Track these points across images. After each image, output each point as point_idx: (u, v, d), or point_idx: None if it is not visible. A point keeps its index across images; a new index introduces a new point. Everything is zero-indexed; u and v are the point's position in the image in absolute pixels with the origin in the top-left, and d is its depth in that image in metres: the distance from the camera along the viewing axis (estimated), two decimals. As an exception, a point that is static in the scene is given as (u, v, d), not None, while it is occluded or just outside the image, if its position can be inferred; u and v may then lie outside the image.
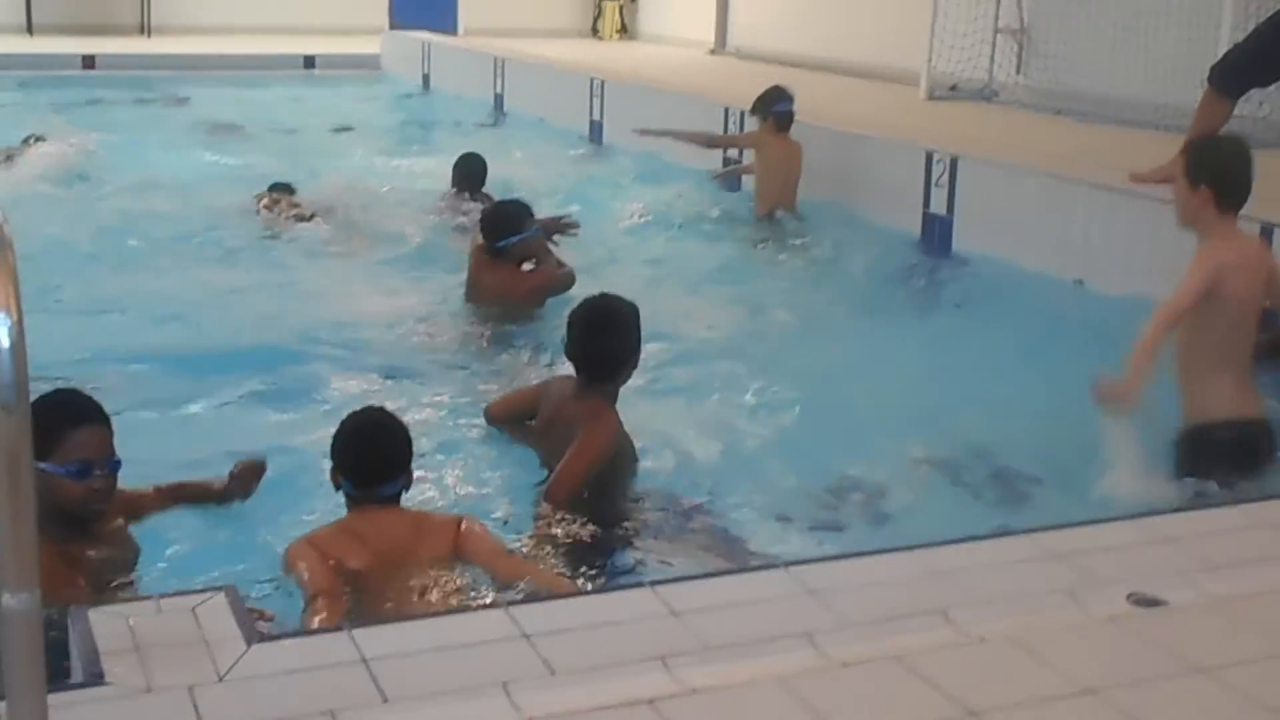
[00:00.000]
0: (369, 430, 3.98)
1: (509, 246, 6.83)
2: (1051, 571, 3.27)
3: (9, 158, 10.72)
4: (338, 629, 2.90)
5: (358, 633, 2.86)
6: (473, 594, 3.75)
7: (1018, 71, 11.59)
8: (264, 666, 2.72)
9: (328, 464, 4.00)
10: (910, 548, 3.40)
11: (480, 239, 6.99)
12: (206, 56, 17.08)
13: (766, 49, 14.90)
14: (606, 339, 4.64)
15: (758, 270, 8.20)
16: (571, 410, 4.61)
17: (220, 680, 2.67)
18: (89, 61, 16.54)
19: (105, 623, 2.85)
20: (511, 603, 3.12)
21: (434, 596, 3.72)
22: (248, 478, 4.27)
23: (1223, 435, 4.68)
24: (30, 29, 18.42)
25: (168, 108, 14.06)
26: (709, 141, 10.06)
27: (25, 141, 11.05)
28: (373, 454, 3.92)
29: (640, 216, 9.52)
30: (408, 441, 3.98)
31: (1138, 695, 2.75)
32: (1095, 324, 6.02)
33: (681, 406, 5.46)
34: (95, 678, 2.65)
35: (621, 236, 9.03)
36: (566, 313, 4.88)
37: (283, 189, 9.48)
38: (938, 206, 8.52)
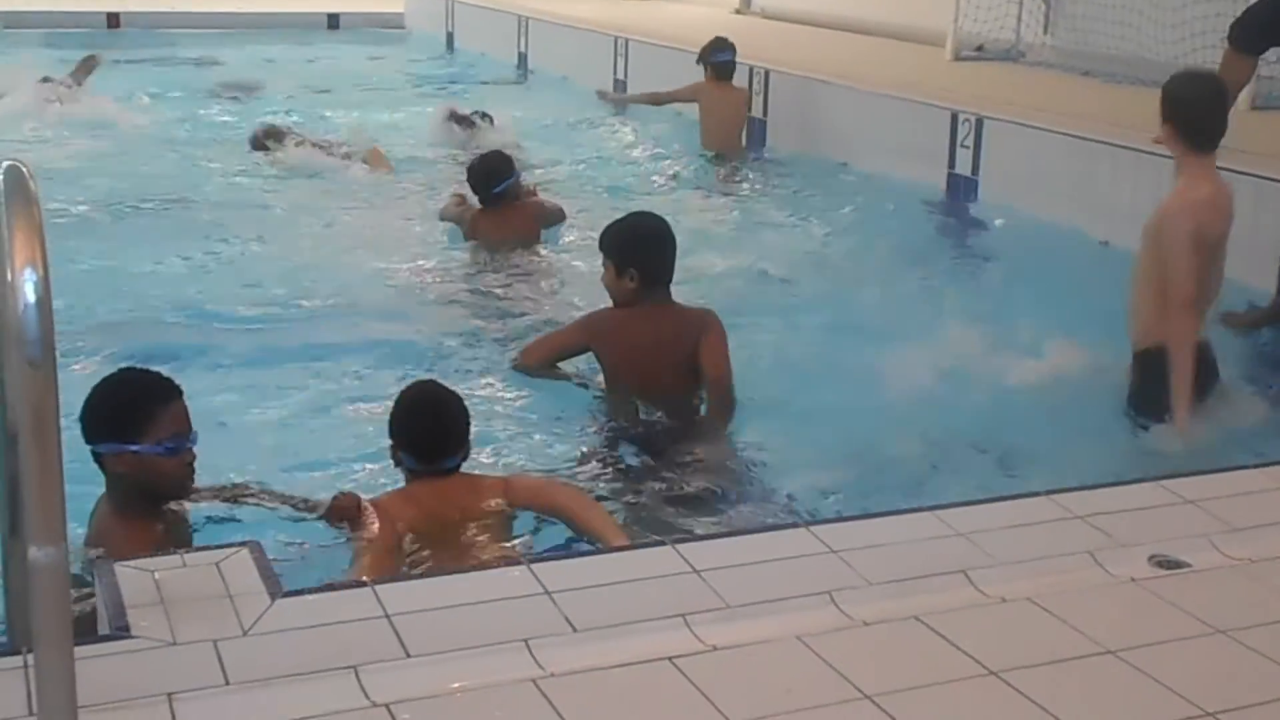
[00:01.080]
0: (429, 406, 4.02)
1: (502, 192, 7.27)
2: (1073, 532, 3.27)
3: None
4: (361, 584, 2.92)
5: (381, 588, 2.88)
6: (520, 547, 3.84)
7: (1045, 32, 11.48)
8: (287, 620, 2.74)
9: (343, 420, 4.03)
10: (931, 508, 3.40)
11: (473, 199, 7.45)
12: (230, 14, 17.04)
13: (792, 9, 14.79)
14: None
15: (779, 232, 8.19)
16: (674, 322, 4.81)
17: (244, 634, 2.69)
18: (113, 20, 16.53)
19: (131, 577, 2.88)
20: (534, 560, 3.13)
21: (485, 554, 3.79)
22: (345, 513, 4.01)
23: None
24: (55, -13, 18.41)
25: (191, 68, 14.02)
26: (655, 99, 10.72)
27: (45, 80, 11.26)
28: (435, 430, 3.98)
29: (659, 177, 9.55)
30: (466, 414, 4.03)
31: (1158, 657, 2.75)
32: (1122, 284, 5.98)
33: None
34: (121, 630, 2.68)
35: (644, 196, 9.01)
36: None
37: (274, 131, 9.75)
38: (963, 167, 8.49)
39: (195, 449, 3.68)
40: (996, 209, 8.14)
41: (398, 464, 4.01)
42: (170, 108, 11.52)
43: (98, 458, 3.61)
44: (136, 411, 3.60)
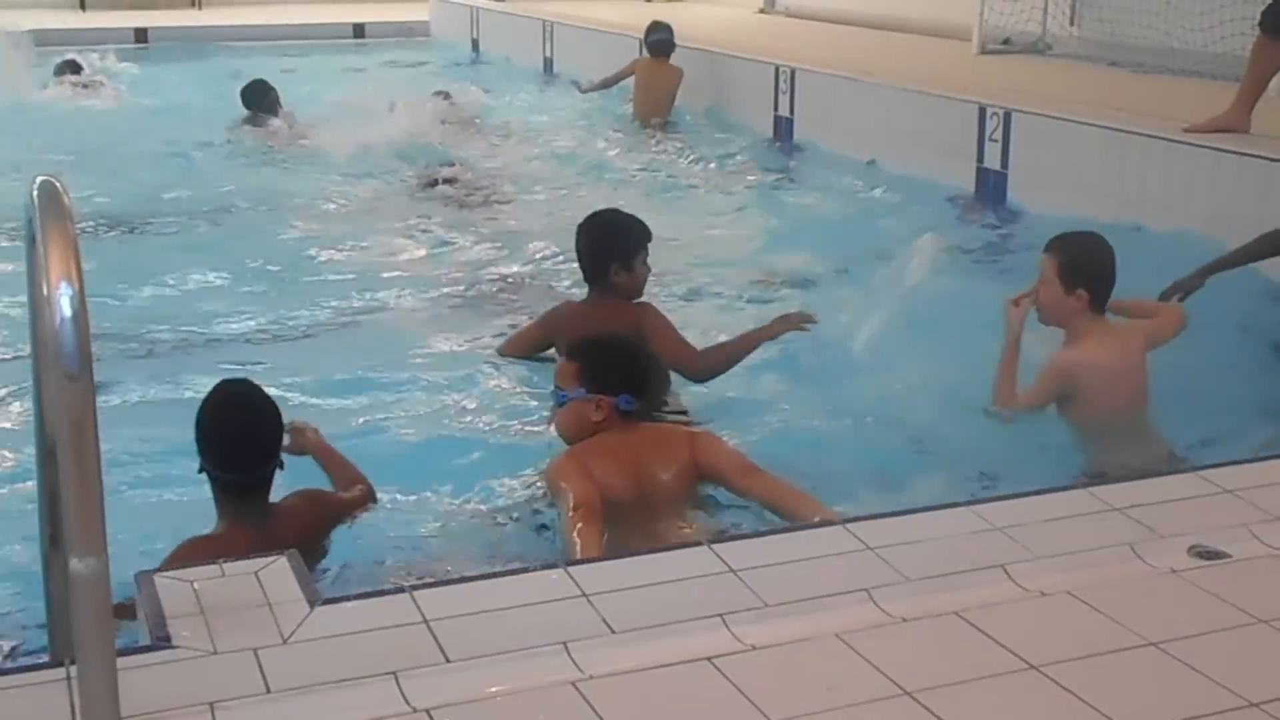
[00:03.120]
0: (624, 345, 4.29)
1: None
2: (1112, 525, 3.25)
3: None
4: (400, 590, 2.92)
5: (419, 594, 2.88)
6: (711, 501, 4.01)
7: (1071, 24, 11.43)
8: (327, 628, 2.75)
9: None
10: (969, 503, 3.39)
11: None
12: (256, 27, 17.12)
13: (816, 7, 14.77)
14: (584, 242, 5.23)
15: (802, 224, 8.20)
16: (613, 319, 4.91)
17: (285, 642, 2.70)
18: (141, 35, 16.64)
19: (171, 587, 2.89)
20: (570, 563, 3.14)
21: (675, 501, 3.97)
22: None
23: None
24: (83, 4, 18.54)
25: (225, 79, 14.12)
26: (608, 82, 12.12)
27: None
28: (642, 364, 4.24)
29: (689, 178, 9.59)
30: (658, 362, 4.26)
31: (1200, 648, 2.73)
32: (1153, 272, 5.96)
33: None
34: (162, 640, 2.69)
35: (674, 201, 9.03)
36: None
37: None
38: (992, 161, 8.45)
39: None
40: (1026, 202, 8.10)
41: (603, 420, 4.10)
42: (199, 120, 11.61)
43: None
44: None
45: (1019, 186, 8.26)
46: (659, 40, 11.44)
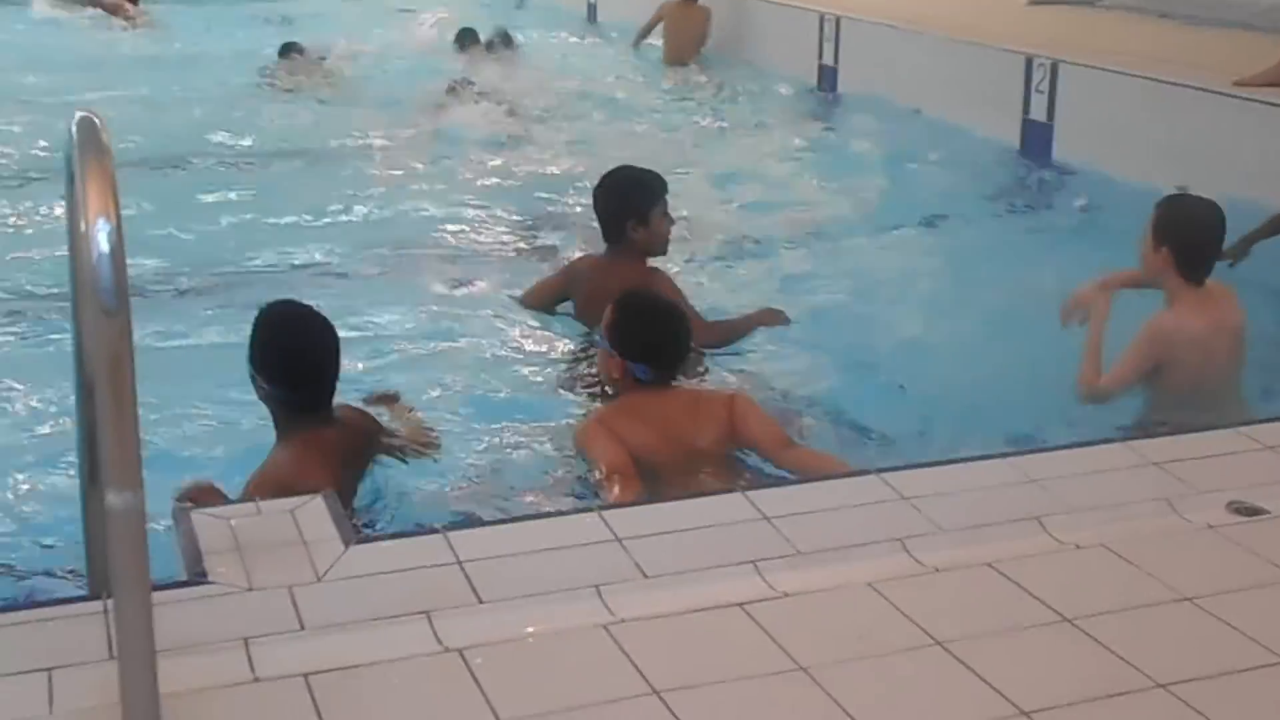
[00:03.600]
0: (663, 315, 4.12)
1: None
2: (1150, 479, 3.23)
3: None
4: (434, 530, 2.94)
5: (453, 535, 2.90)
6: (747, 467, 3.93)
7: (1122, -26, 11.27)
8: (361, 567, 2.77)
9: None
10: (1006, 454, 3.38)
11: None
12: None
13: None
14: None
15: (843, 172, 8.16)
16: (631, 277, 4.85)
17: (319, 580, 2.72)
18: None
19: (208, 525, 2.92)
20: (604, 507, 3.14)
21: (712, 468, 3.89)
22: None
23: None
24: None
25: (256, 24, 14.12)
26: (645, 31, 12.44)
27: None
28: (672, 339, 4.07)
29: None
30: (689, 325, 4.13)
31: (1236, 603, 2.71)
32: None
33: (759, 300, 5.46)
34: (199, 576, 2.72)
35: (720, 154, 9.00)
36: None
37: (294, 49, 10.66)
38: (1038, 113, 8.36)
39: None
40: (1072, 154, 8.01)
41: (620, 379, 4.06)
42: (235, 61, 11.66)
43: None
44: None
45: (1065, 139, 8.16)
46: None
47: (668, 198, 5.17)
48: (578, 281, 5.26)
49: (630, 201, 5.12)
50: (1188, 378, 4.52)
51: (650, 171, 5.28)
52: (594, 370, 4.60)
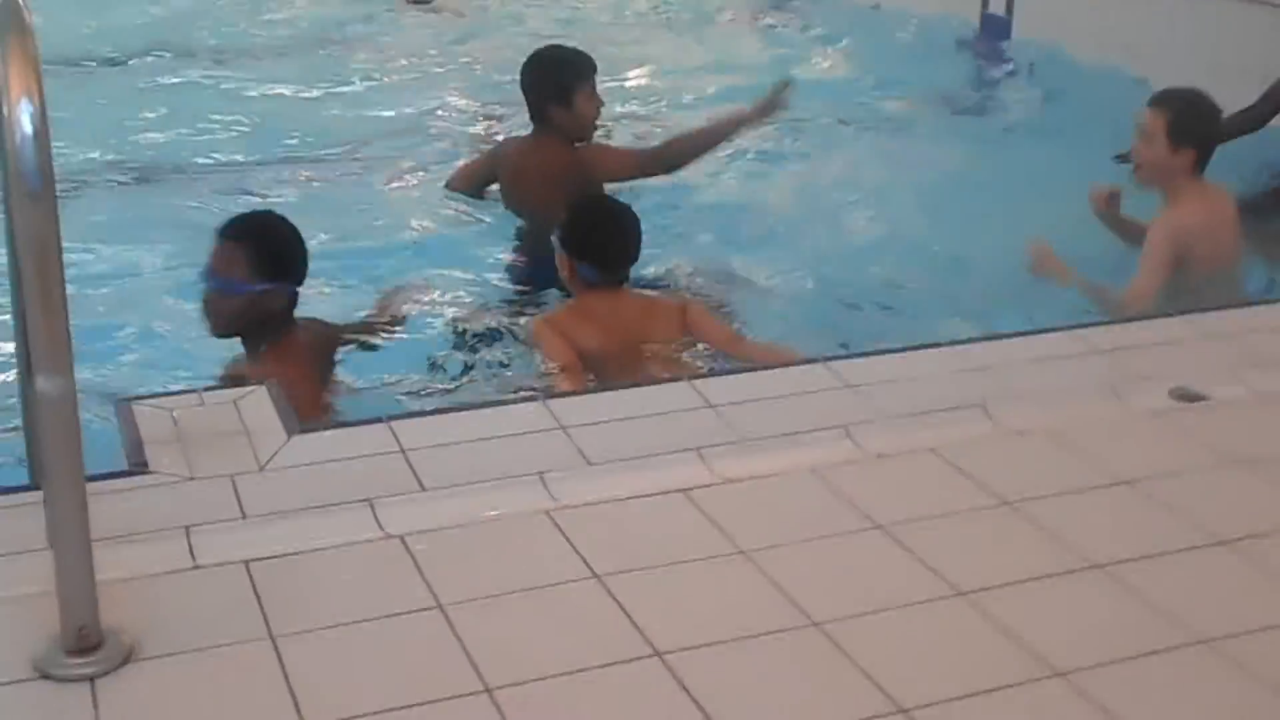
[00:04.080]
0: (610, 217, 4.13)
1: None
2: (1095, 367, 3.25)
3: None
4: (377, 420, 2.93)
5: (397, 424, 2.89)
6: (699, 366, 3.91)
7: None
8: (304, 456, 2.76)
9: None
10: (951, 343, 3.39)
11: None
12: None
13: None
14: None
15: (796, 64, 8.09)
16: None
17: (261, 469, 2.72)
18: None
19: (149, 415, 2.90)
20: (549, 395, 3.14)
21: (663, 371, 3.87)
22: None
23: None
24: None
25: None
26: None
27: None
28: (617, 239, 4.07)
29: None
30: (639, 225, 4.12)
31: (1175, 486, 2.74)
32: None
33: (716, 199, 5.42)
34: (139, 466, 2.70)
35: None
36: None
37: None
38: (996, 5, 8.29)
39: (218, 293, 3.69)
40: (1030, 46, 7.96)
41: (570, 279, 4.07)
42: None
43: None
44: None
45: (1025, 28, 8.10)
46: None
47: (597, 78, 5.10)
48: (503, 164, 5.21)
49: (552, 82, 5.03)
50: (1202, 271, 4.46)
51: (576, 51, 5.20)
52: (523, 259, 4.58)
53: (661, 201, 5.31)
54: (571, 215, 4.11)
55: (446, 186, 5.50)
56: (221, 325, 3.70)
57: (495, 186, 5.31)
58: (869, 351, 3.40)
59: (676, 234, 5.14)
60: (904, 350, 3.40)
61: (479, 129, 6.80)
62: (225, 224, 3.74)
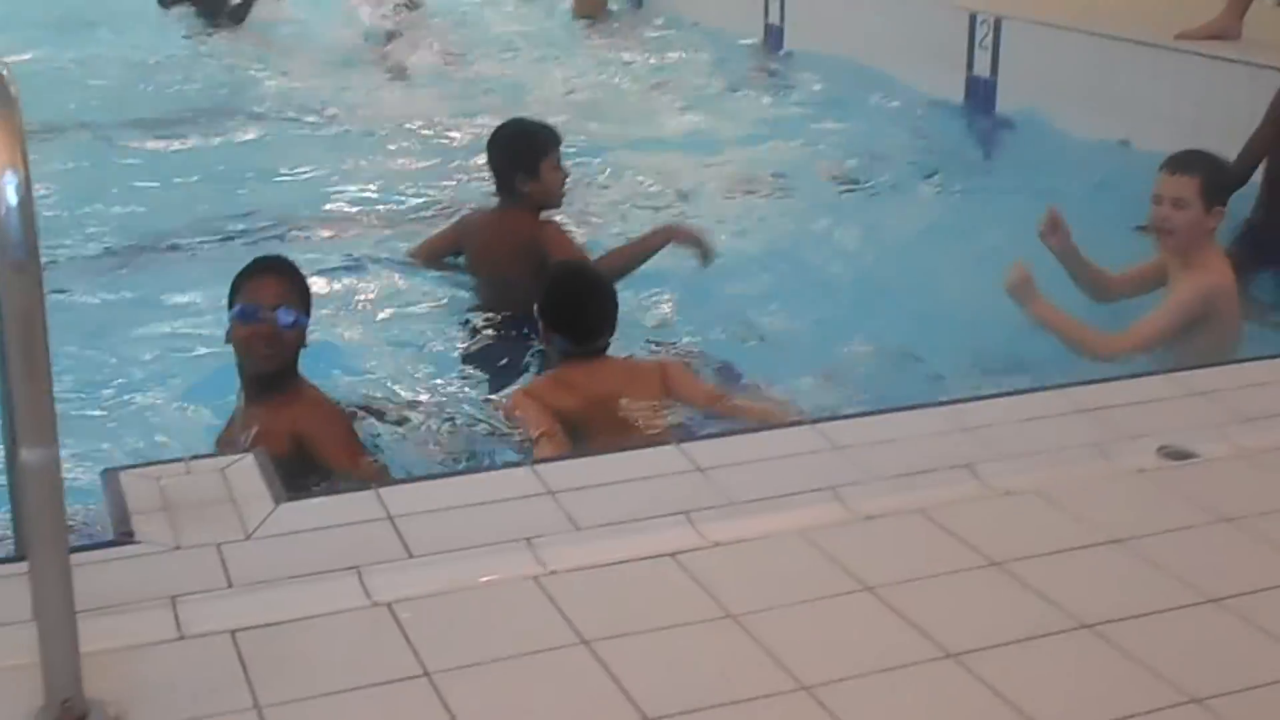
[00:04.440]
0: (582, 289, 4.16)
1: None
2: (1081, 426, 3.25)
3: None
4: (364, 486, 2.92)
5: (384, 491, 2.89)
6: (679, 428, 3.91)
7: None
8: (291, 524, 2.75)
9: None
10: (938, 404, 3.39)
11: None
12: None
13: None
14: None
15: (784, 130, 8.16)
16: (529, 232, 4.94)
17: (248, 538, 2.71)
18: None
19: (136, 483, 2.89)
20: (536, 461, 3.14)
21: (645, 432, 3.88)
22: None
23: None
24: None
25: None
26: None
27: None
28: (589, 312, 4.10)
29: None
30: (614, 295, 4.16)
31: (1165, 545, 2.73)
32: (1141, 184, 5.93)
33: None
34: (125, 536, 2.69)
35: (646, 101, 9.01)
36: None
37: None
38: (981, 69, 8.37)
39: (278, 327, 3.73)
40: (1015, 110, 8.03)
41: (549, 348, 4.14)
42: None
43: None
44: (232, 289, 3.80)
45: (1008, 94, 8.18)
46: None
47: (563, 149, 5.20)
48: (469, 235, 5.26)
49: (520, 154, 5.12)
50: (1224, 332, 4.45)
51: (541, 124, 5.33)
52: (492, 324, 4.74)
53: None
54: (548, 287, 4.16)
55: (410, 255, 5.57)
56: (286, 357, 3.75)
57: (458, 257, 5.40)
58: (856, 413, 3.41)
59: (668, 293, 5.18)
60: (891, 411, 3.40)
61: (444, 199, 6.82)
62: (263, 260, 3.81)
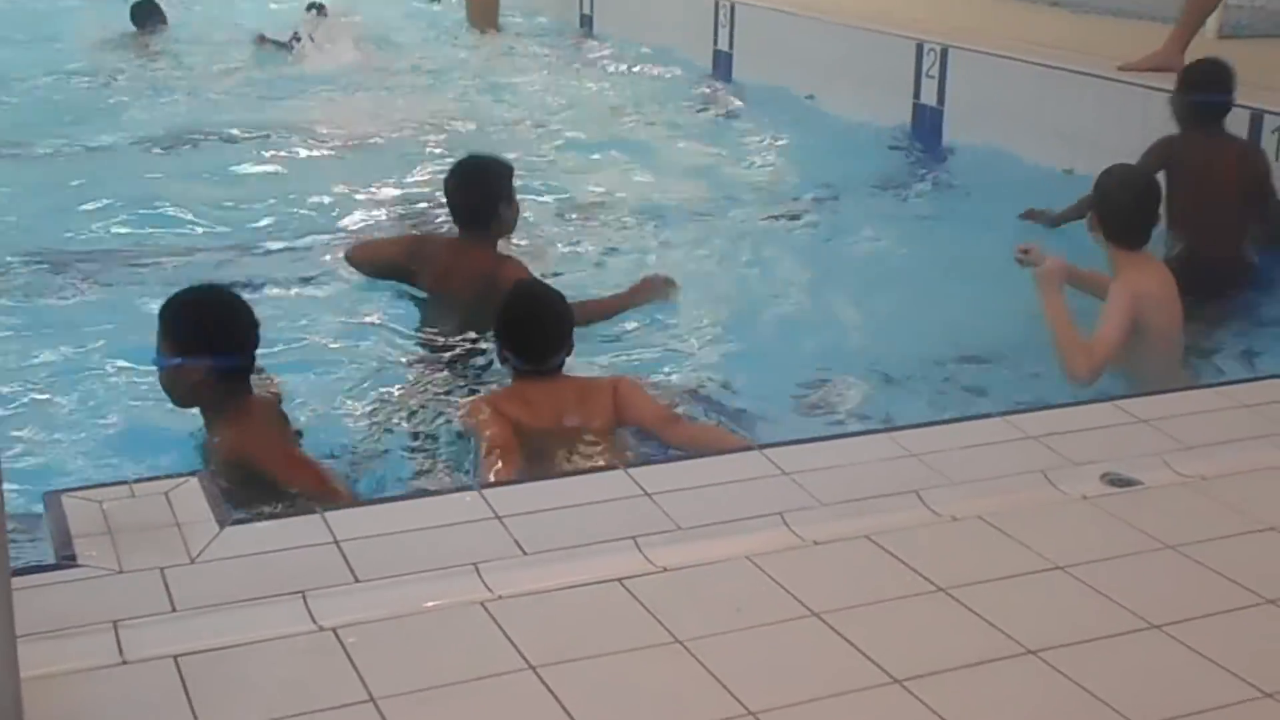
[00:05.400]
0: (535, 311, 4.17)
1: None
2: (1026, 452, 3.27)
3: None
4: (310, 510, 2.90)
5: (330, 515, 2.87)
6: (629, 453, 3.92)
7: (1013, -38, 11.41)
8: (236, 548, 2.73)
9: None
10: (885, 430, 3.41)
11: None
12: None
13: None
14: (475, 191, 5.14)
15: (734, 157, 8.20)
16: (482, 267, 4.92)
17: (192, 562, 2.68)
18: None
19: (79, 507, 2.86)
20: (484, 485, 3.13)
21: (592, 460, 3.87)
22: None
23: None
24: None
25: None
26: None
27: None
28: (542, 333, 4.12)
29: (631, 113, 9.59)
30: (569, 313, 4.18)
31: (1108, 571, 2.76)
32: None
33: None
34: (67, 560, 2.66)
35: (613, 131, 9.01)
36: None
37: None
38: (928, 98, 8.44)
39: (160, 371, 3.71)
40: (962, 139, 8.10)
41: (504, 363, 4.17)
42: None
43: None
44: None
45: (955, 123, 8.25)
46: None
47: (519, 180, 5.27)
48: (427, 261, 5.22)
49: (484, 192, 5.16)
50: (1160, 340, 4.57)
51: (497, 159, 5.38)
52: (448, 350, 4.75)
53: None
54: (502, 307, 4.19)
55: (349, 257, 5.50)
56: (177, 396, 3.73)
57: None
58: (804, 439, 3.41)
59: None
60: (838, 437, 3.43)
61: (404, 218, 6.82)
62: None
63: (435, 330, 4.99)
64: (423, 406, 4.39)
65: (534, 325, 4.12)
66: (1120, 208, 4.64)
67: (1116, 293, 4.54)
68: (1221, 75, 5.90)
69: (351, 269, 5.44)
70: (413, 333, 5.04)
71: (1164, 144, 5.91)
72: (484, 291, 4.70)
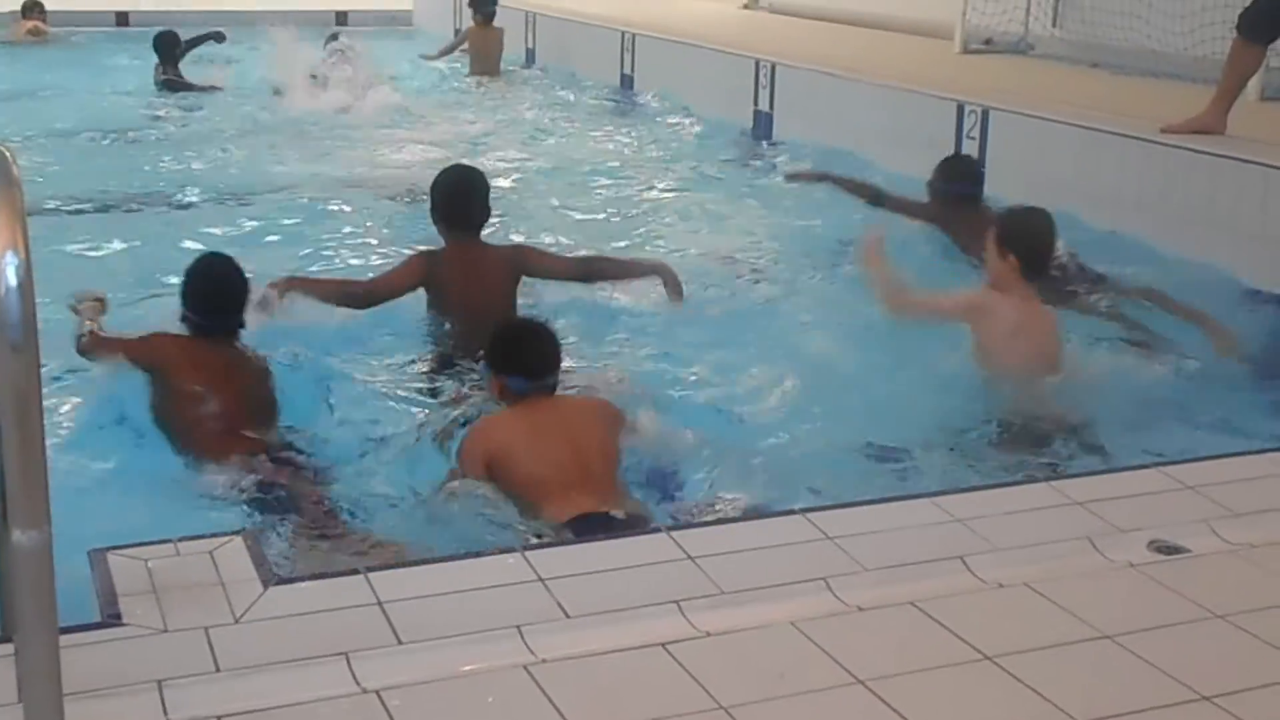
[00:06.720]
0: (532, 333, 4.36)
1: None
2: (1072, 518, 3.25)
3: None
4: (354, 571, 2.91)
5: (374, 576, 2.87)
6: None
7: (1053, 24, 11.42)
8: (280, 608, 2.74)
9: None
10: (929, 494, 3.39)
11: None
12: (239, 12, 16.99)
13: (799, 4, 14.75)
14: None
15: (768, 216, 8.22)
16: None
17: (236, 621, 2.69)
18: (122, 18, 16.58)
19: (124, 565, 2.88)
20: (528, 547, 3.13)
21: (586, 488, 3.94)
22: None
23: None
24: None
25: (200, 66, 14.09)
26: (451, 48, 14.41)
27: None
28: (541, 351, 4.28)
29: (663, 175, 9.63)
30: (556, 341, 4.35)
31: (1157, 641, 2.73)
32: (1129, 274, 6.00)
33: (694, 350, 5.49)
34: (113, 618, 2.67)
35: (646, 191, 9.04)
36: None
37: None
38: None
39: None
40: (1002, 197, 8.07)
41: (501, 396, 4.26)
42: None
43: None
44: None
45: (995, 182, 8.23)
46: (487, 6, 13.61)
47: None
48: (441, 269, 5.37)
49: (487, 190, 5.52)
50: (995, 356, 4.89)
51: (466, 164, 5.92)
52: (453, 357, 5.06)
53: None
54: (494, 338, 4.35)
55: (369, 292, 5.47)
56: None
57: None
58: (847, 503, 3.40)
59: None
60: (882, 501, 3.41)
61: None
62: None
63: (455, 344, 5.22)
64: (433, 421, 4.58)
65: (534, 342, 4.31)
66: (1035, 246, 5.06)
67: (963, 295, 5.14)
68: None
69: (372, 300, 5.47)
70: (434, 348, 5.27)
71: None
72: (500, 285, 5.23)
